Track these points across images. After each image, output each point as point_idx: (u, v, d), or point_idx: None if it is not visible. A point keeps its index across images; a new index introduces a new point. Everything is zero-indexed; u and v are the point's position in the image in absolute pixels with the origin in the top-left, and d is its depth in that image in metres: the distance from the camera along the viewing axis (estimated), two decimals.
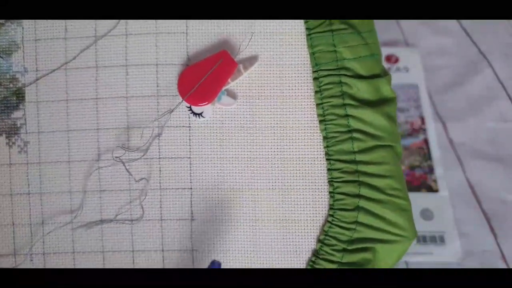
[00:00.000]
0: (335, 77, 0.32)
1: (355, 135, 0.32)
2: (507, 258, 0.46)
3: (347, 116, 0.32)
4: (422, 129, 0.54)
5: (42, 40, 0.33)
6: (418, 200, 0.48)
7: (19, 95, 0.33)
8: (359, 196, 0.32)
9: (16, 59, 0.33)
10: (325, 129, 0.32)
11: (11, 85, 0.33)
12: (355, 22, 0.32)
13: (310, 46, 0.32)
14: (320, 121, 0.32)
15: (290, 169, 0.33)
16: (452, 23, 0.62)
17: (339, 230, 0.32)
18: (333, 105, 0.32)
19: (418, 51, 0.59)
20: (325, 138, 0.32)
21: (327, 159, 0.32)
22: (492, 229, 0.47)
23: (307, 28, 0.32)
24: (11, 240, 0.33)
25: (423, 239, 0.47)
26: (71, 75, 0.33)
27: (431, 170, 0.51)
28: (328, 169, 0.32)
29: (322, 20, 0.32)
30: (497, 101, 0.56)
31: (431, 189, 0.50)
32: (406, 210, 0.32)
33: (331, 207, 0.32)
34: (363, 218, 0.32)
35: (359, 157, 0.32)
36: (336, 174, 0.32)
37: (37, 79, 0.33)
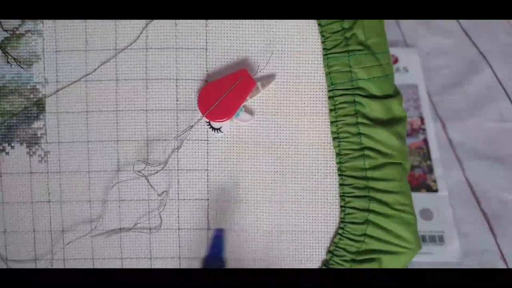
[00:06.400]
0: (349, 97, 0.33)
1: (367, 152, 0.33)
2: (507, 258, 0.46)
3: (360, 134, 0.33)
4: (422, 129, 0.54)
5: (63, 52, 0.34)
6: (418, 200, 0.47)
7: (40, 105, 0.34)
8: (368, 210, 0.33)
9: (36, 70, 0.34)
10: (339, 146, 0.33)
11: (32, 96, 0.34)
12: (370, 43, 0.33)
13: (327, 65, 0.33)
14: (334, 138, 0.34)
15: (303, 183, 0.34)
16: (451, 23, 0.62)
17: (349, 242, 0.34)
18: (347, 123, 0.33)
19: (417, 51, 0.59)
20: (338, 154, 0.34)
21: (339, 175, 0.34)
22: (491, 229, 0.48)
23: (324, 48, 0.33)
24: (32, 246, 0.34)
25: (422, 239, 0.47)
26: (91, 87, 0.34)
27: (430, 170, 0.51)
28: (340, 184, 0.34)
29: (339, 41, 0.33)
30: (496, 101, 0.56)
31: (431, 189, 0.50)
32: (412, 224, 0.34)
33: (341, 220, 0.34)
34: (371, 231, 0.33)
35: (370, 174, 0.33)
36: (347, 189, 0.34)
37: (57, 90, 0.34)
